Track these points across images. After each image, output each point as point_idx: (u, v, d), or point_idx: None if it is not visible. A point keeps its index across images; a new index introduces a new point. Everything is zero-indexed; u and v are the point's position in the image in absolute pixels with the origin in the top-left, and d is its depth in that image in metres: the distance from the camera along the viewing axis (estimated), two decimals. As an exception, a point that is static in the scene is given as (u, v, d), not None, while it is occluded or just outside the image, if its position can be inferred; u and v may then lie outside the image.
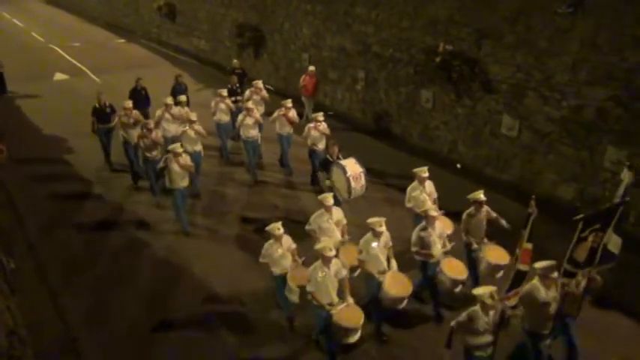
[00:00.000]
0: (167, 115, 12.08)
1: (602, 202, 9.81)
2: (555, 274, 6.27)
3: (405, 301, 7.40)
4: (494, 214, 7.98)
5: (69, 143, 14.49)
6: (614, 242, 6.76)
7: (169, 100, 12.36)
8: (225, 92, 13.02)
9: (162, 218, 10.80)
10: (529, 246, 6.78)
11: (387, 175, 12.12)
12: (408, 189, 8.85)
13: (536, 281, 6.27)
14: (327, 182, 9.87)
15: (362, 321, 6.80)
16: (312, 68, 15.04)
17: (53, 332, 7.92)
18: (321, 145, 11.28)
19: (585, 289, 6.54)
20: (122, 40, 26.94)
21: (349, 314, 6.79)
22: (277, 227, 7.41)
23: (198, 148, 11.39)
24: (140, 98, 13.72)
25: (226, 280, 8.90)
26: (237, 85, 14.31)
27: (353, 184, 9.26)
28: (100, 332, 7.92)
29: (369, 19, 14.41)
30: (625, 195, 7.17)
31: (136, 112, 11.94)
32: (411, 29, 13.31)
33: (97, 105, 12.36)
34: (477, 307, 5.97)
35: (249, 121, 11.70)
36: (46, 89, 19.12)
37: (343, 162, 9.50)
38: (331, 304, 6.78)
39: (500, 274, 7.74)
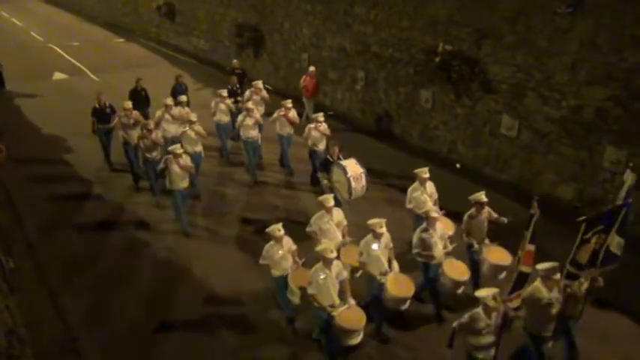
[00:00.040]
0: (167, 116, 12.07)
1: (601, 203, 9.84)
2: (558, 276, 6.25)
3: (408, 302, 7.40)
4: (495, 215, 7.98)
5: (68, 143, 14.48)
6: (616, 243, 6.71)
7: (169, 101, 12.35)
8: (225, 93, 13.01)
9: (163, 218, 10.79)
10: (531, 247, 6.74)
11: (387, 176, 12.12)
12: (409, 190, 8.84)
13: (538, 283, 6.26)
14: (327, 182, 9.86)
15: (364, 322, 6.79)
16: (312, 69, 15.03)
17: (53, 332, 7.92)
18: (321, 146, 11.28)
19: (587, 290, 6.52)
20: (121, 40, 26.91)
21: (351, 316, 6.78)
22: (278, 229, 7.39)
23: (199, 148, 11.40)
24: (140, 99, 13.70)
25: (226, 281, 8.89)
26: (237, 85, 14.30)
27: (354, 184, 9.24)
28: (100, 332, 7.92)
29: (369, 19, 14.41)
30: (627, 197, 7.14)
31: (135, 113, 11.92)
32: (410, 29, 13.32)
33: (97, 105, 12.34)
34: (480, 309, 5.95)
35: (249, 121, 11.69)
36: (45, 88, 19.08)
37: (344, 162, 9.48)
38: (333, 306, 6.76)
39: (503, 275, 7.74)
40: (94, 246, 10.00)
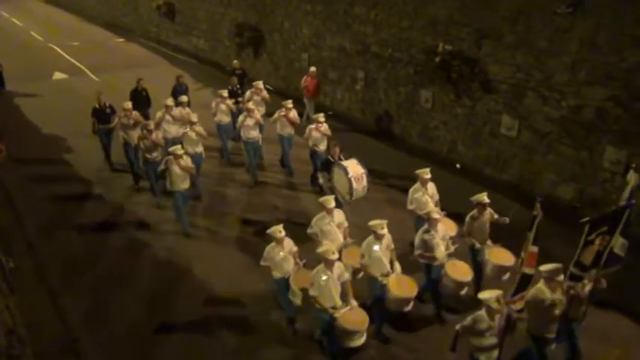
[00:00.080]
0: (167, 117, 12.06)
1: (601, 203, 9.84)
2: (561, 277, 6.21)
3: (411, 304, 7.38)
4: (496, 216, 7.97)
5: (68, 143, 14.48)
6: (620, 245, 6.68)
7: (170, 102, 12.34)
8: (225, 93, 12.99)
9: (163, 219, 10.79)
10: (535, 249, 6.70)
11: (387, 176, 12.12)
12: (410, 191, 8.81)
13: (541, 284, 6.22)
14: (327, 183, 9.83)
15: (366, 324, 6.76)
16: (313, 69, 15.02)
17: (52, 332, 7.92)
18: (322, 146, 11.26)
19: (590, 292, 6.48)
20: (121, 40, 26.91)
21: (353, 317, 6.75)
22: (279, 230, 7.37)
23: (199, 149, 11.39)
24: (141, 99, 13.69)
25: (227, 282, 8.89)
26: (238, 86, 14.28)
27: (355, 185, 9.20)
28: (100, 333, 7.91)
29: (369, 19, 14.41)
30: (631, 197, 7.12)
31: (135, 113, 11.90)
32: (410, 29, 13.31)
33: (97, 105, 12.33)
34: (483, 312, 5.92)
35: (250, 122, 11.67)
36: (45, 88, 19.08)
37: (345, 163, 9.45)
38: (334, 308, 6.74)
39: (507, 276, 7.71)
40: (94, 246, 10.00)
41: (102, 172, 12.83)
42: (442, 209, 8.43)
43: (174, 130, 11.95)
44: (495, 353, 6.07)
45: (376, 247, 7.25)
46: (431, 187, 8.78)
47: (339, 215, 8.10)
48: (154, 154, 10.90)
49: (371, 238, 7.32)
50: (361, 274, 7.65)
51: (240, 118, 11.94)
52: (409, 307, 7.41)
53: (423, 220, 8.07)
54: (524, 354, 6.69)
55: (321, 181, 11.16)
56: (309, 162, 11.78)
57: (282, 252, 7.39)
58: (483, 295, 5.97)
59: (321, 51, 16.49)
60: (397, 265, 7.49)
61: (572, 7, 9.76)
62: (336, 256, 6.74)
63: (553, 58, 10.37)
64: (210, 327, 7.97)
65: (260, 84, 13.50)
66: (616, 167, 9.69)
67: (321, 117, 11.40)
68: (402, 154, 13.40)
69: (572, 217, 9.14)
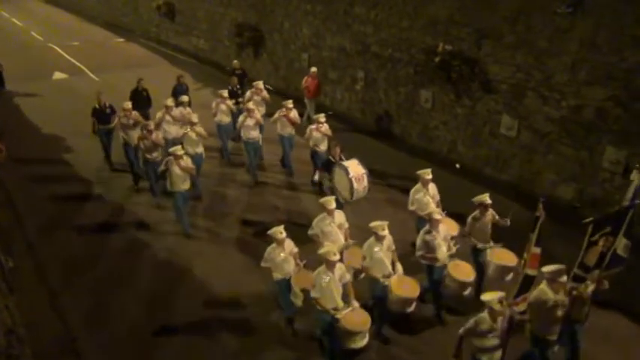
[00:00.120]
0: (167, 117, 12.04)
1: (601, 203, 9.84)
2: (564, 278, 6.17)
3: (414, 305, 7.36)
4: (497, 217, 7.94)
5: (68, 143, 14.47)
6: (623, 246, 6.59)
7: (170, 102, 12.32)
8: (225, 93, 12.97)
9: (163, 219, 10.77)
10: (537, 250, 6.64)
11: (388, 176, 12.10)
12: (412, 191, 8.79)
13: (544, 285, 6.20)
14: (328, 183, 9.81)
15: (368, 325, 6.74)
16: (314, 69, 15.00)
17: (52, 331, 7.91)
18: (323, 147, 11.25)
19: (593, 293, 6.45)
20: (121, 40, 26.89)
21: (355, 318, 6.73)
22: (279, 231, 7.35)
23: (200, 150, 11.37)
24: (141, 99, 13.66)
25: (227, 283, 8.88)
26: (238, 86, 14.25)
27: (355, 185, 9.16)
28: (100, 333, 7.91)
29: (369, 19, 14.40)
30: (634, 198, 7.07)
31: (135, 113, 11.88)
32: (410, 29, 13.31)
33: (97, 106, 12.30)
34: (485, 314, 5.88)
35: (250, 122, 11.66)
36: (45, 88, 19.07)
37: (346, 163, 9.41)
38: (336, 309, 6.71)
39: (510, 276, 7.69)
40: (94, 246, 9.99)
41: (102, 172, 12.82)
42: (443, 209, 8.42)
43: (174, 130, 11.94)
44: (498, 355, 6.03)
45: (377, 249, 7.24)
46: (432, 187, 8.76)
47: (339, 216, 8.09)
48: (154, 155, 10.88)
49: (372, 239, 7.31)
50: (363, 276, 7.63)
51: (241, 118, 11.92)
52: (412, 308, 7.40)
53: (424, 221, 8.05)
54: (527, 357, 6.64)
55: (316, 177, 11.15)
56: (309, 162, 11.77)
57: (283, 253, 7.37)
58: (486, 296, 5.93)
59: (321, 51, 16.49)
60: (399, 266, 7.48)
61: (572, 7, 9.76)
62: (338, 257, 6.72)
63: (553, 58, 10.37)
64: (210, 328, 7.96)
65: (260, 84, 13.49)
66: (616, 167, 9.69)
67: (321, 117, 11.39)
68: (402, 154, 13.40)
69: (572, 217, 9.17)
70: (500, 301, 5.81)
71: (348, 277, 6.93)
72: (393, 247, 7.50)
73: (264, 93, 13.41)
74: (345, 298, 6.87)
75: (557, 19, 10.11)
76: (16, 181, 12.38)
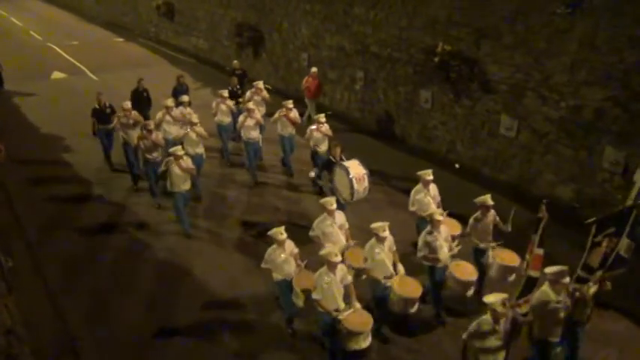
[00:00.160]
0: (168, 118, 12.02)
1: (600, 203, 9.85)
2: (567, 280, 6.14)
3: (416, 305, 7.35)
4: (497, 218, 7.94)
5: (68, 142, 14.46)
6: (626, 246, 6.54)
7: (170, 102, 12.29)
8: (226, 93, 12.94)
9: (163, 220, 10.77)
10: (540, 252, 6.61)
11: (388, 176, 12.10)
12: (412, 192, 8.77)
13: (546, 287, 6.17)
14: (328, 184, 9.77)
15: (370, 325, 6.70)
16: (314, 70, 14.99)
17: (51, 331, 7.91)
18: (323, 147, 11.23)
19: (595, 294, 6.43)
20: (120, 39, 26.88)
21: (357, 319, 6.70)
22: (280, 232, 7.33)
23: (200, 150, 11.35)
24: (142, 100, 13.63)
25: (227, 284, 8.87)
26: (238, 86, 14.24)
27: (356, 185, 9.09)
28: (100, 334, 7.90)
29: (368, 18, 14.41)
30: (638, 198, 7.04)
31: (135, 113, 11.85)
32: (409, 29, 13.32)
33: (97, 106, 12.26)
34: (488, 316, 5.85)
35: (250, 122, 11.64)
36: (44, 88, 19.06)
37: (346, 163, 9.36)
38: (337, 310, 6.69)
39: (513, 277, 7.68)
40: (94, 247, 9.99)
41: (101, 173, 12.79)
42: (444, 209, 8.42)
43: (174, 130, 11.92)
44: (501, 356, 5.97)
45: (378, 250, 7.24)
46: (433, 188, 8.76)
47: (340, 217, 8.07)
48: (154, 155, 10.87)
49: (373, 240, 7.30)
50: (365, 277, 7.61)
51: (241, 118, 11.89)
52: (414, 309, 7.37)
53: (425, 222, 8.05)
54: None
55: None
56: (310, 163, 11.77)
57: (284, 254, 7.35)
58: (488, 298, 5.89)
59: (320, 51, 16.50)
60: (400, 267, 7.47)
61: (572, 7, 9.77)
62: (339, 258, 6.70)
63: (552, 59, 10.38)
64: (210, 328, 7.95)
65: (260, 84, 13.49)
66: (615, 167, 9.70)
67: (322, 117, 11.38)
68: (402, 154, 13.41)
69: (571, 217, 9.19)
70: (503, 303, 5.78)
71: (350, 278, 6.90)
72: (394, 248, 7.50)
73: (265, 93, 13.41)
74: (347, 300, 6.85)
75: (557, 20, 10.12)
76: (15, 180, 12.36)
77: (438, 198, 8.81)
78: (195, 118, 11.37)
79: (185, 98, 12.77)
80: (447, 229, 7.83)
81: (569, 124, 10.35)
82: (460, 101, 12.52)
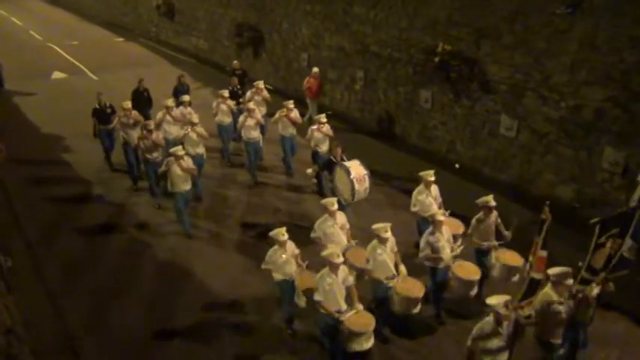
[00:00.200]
0: (168, 118, 12.00)
1: (600, 203, 9.86)
2: (570, 281, 6.10)
3: (419, 306, 7.33)
4: (499, 220, 7.92)
5: (68, 142, 14.46)
6: (628, 247, 6.54)
7: (170, 102, 12.27)
8: (226, 93, 12.91)
9: (163, 220, 10.77)
10: (544, 254, 6.58)
11: (388, 177, 12.08)
12: (414, 193, 8.75)
13: (548, 288, 6.15)
14: (329, 184, 9.75)
15: (373, 326, 6.68)
16: (316, 70, 14.96)
17: (51, 331, 7.91)
18: (324, 147, 11.19)
19: (598, 295, 6.40)
20: (120, 39, 26.86)
21: (359, 320, 6.68)
22: (282, 233, 7.31)
23: (201, 150, 11.33)
24: (142, 100, 13.61)
25: (228, 284, 8.86)
26: (238, 86, 14.21)
27: (357, 186, 9.06)
28: (100, 334, 7.90)
29: (368, 18, 14.41)
30: None
31: (135, 113, 11.83)
32: (409, 29, 13.32)
33: (98, 106, 12.24)
34: (490, 318, 5.82)
35: (251, 122, 11.63)
36: (44, 88, 19.05)
37: (347, 164, 9.32)
38: (339, 312, 6.67)
39: (516, 277, 7.65)
40: (94, 247, 9.98)
41: (102, 173, 12.79)
42: (446, 209, 8.41)
43: (174, 130, 11.90)
44: (503, 358, 5.93)
45: (380, 251, 7.23)
46: (434, 189, 8.74)
47: (341, 217, 8.06)
48: (154, 155, 10.86)
49: (375, 241, 7.29)
50: (367, 277, 7.59)
51: (241, 118, 11.87)
52: (417, 310, 7.34)
53: (426, 223, 8.04)
54: None
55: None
56: (310, 163, 11.73)
57: (285, 255, 7.34)
58: (491, 300, 5.85)
59: (320, 51, 16.49)
60: (403, 268, 7.45)
61: (571, 7, 9.77)
62: (342, 259, 6.67)
63: (552, 59, 10.38)
64: (210, 329, 7.95)
65: (261, 84, 13.48)
66: (615, 168, 9.70)
67: (322, 117, 11.35)
68: (402, 154, 13.40)
69: (571, 218, 9.18)
70: (506, 305, 5.75)
71: (351, 279, 6.87)
72: (396, 249, 7.49)
73: (265, 93, 13.40)
74: (349, 301, 6.82)
75: (556, 20, 10.12)
76: (15, 180, 12.36)
77: (440, 199, 8.80)
78: (195, 118, 11.36)
79: (186, 98, 12.75)
80: (449, 229, 7.81)
81: (569, 124, 10.35)
82: (460, 101, 12.52)
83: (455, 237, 7.94)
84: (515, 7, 10.83)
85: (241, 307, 8.37)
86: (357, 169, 9.22)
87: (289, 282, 7.39)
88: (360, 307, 6.83)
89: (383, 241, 7.21)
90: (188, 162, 9.93)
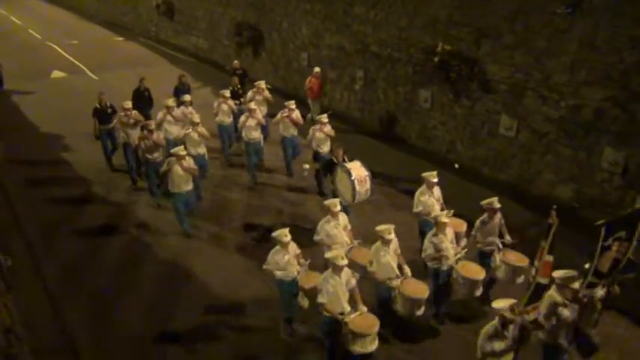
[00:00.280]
0: (169, 117, 11.98)
1: (599, 203, 9.86)
2: (575, 284, 6.06)
3: (423, 308, 7.31)
4: (503, 221, 7.91)
5: (67, 142, 14.44)
6: (633, 250, 6.40)
7: (171, 102, 12.23)
8: (227, 93, 12.87)
9: (163, 220, 10.75)
10: (550, 258, 6.52)
11: (388, 177, 12.05)
12: (417, 194, 8.70)
13: (553, 291, 6.12)
14: (330, 185, 9.73)
15: (377, 327, 6.66)
16: (317, 70, 14.91)
17: (51, 331, 7.92)
18: (325, 148, 11.12)
19: (604, 299, 6.36)
20: (120, 38, 26.85)
21: (363, 322, 6.66)
22: (285, 234, 7.29)
23: (202, 150, 11.28)
24: (143, 99, 13.58)
25: (228, 284, 8.86)
26: (239, 86, 14.17)
27: (358, 187, 8.97)
28: (99, 333, 7.90)
29: (368, 18, 14.41)
30: None
31: (135, 113, 11.81)
32: (409, 29, 13.31)
33: (99, 105, 12.21)
34: (496, 322, 5.79)
35: (252, 122, 11.58)
36: (43, 87, 19.05)
37: (348, 165, 9.24)
38: (343, 314, 6.65)
39: (521, 278, 7.64)
40: (94, 247, 9.97)
41: (102, 173, 12.75)
42: (449, 209, 8.39)
43: (175, 130, 11.88)
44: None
45: (383, 253, 7.23)
46: (436, 190, 8.71)
47: (342, 218, 8.05)
48: (155, 155, 10.84)
49: (378, 243, 7.28)
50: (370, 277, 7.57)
51: (242, 118, 11.81)
52: (421, 311, 7.32)
53: (429, 224, 8.03)
54: None
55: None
56: (311, 164, 11.72)
57: (287, 255, 7.32)
58: (497, 304, 5.84)
59: (320, 50, 16.49)
60: (407, 269, 7.45)
61: (572, 7, 9.77)
62: (345, 261, 6.65)
63: (552, 59, 10.38)
64: (210, 330, 7.94)
65: (262, 84, 13.43)
66: (614, 168, 9.70)
67: (324, 118, 11.28)
68: (401, 154, 13.38)
69: (571, 218, 9.17)
70: (512, 309, 5.74)
71: (354, 281, 6.85)
72: (399, 251, 7.48)
73: (266, 93, 13.35)
74: (353, 304, 6.81)
75: (557, 20, 10.12)
76: (15, 180, 12.35)
77: (442, 200, 8.77)
78: (196, 118, 11.32)
79: (187, 97, 12.71)
80: (452, 231, 7.77)
81: (569, 123, 10.36)
82: (460, 101, 12.52)
83: (457, 235, 7.92)
84: (515, 7, 10.82)
85: (241, 307, 8.36)
86: (358, 170, 9.12)
87: (290, 282, 7.39)
88: (364, 308, 6.82)
89: (386, 242, 7.20)
90: (189, 162, 9.90)
